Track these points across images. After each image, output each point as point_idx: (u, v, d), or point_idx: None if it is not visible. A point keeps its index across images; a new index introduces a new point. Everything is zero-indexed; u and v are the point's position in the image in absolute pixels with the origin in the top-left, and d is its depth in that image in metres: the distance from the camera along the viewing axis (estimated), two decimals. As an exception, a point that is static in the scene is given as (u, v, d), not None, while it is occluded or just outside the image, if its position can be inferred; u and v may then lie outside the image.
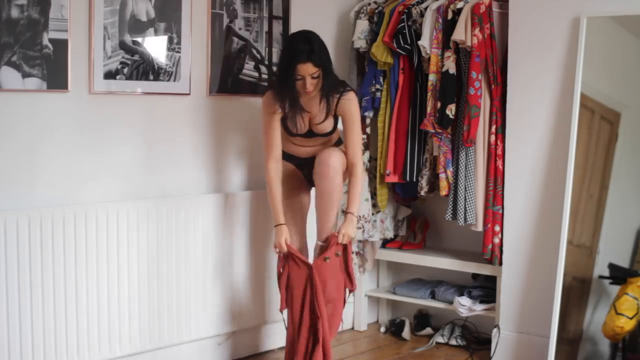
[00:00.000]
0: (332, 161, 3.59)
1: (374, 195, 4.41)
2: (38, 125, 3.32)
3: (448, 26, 4.05)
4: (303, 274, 3.56)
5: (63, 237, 3.32)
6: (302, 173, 3.80)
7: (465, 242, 4.50)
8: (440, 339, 4.39)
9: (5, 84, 3.18)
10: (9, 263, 3.16)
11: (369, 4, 4.41)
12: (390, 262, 4.74)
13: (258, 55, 4.13)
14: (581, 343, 3.59)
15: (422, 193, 4.26)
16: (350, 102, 3.60)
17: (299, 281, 3.56)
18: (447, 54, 4.04)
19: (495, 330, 4.09)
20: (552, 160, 3.87)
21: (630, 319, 3.43)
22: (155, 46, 3.68)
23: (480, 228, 4.07)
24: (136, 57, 3.61)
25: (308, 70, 3.42)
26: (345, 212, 3.65)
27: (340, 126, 3.70)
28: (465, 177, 4.03)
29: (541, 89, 3.88)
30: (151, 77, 3.68)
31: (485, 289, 4.27)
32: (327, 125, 3.63)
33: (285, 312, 3.68)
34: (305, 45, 3.41)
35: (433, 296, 4.45)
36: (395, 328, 4.56)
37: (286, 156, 3.76)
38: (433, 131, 4.08)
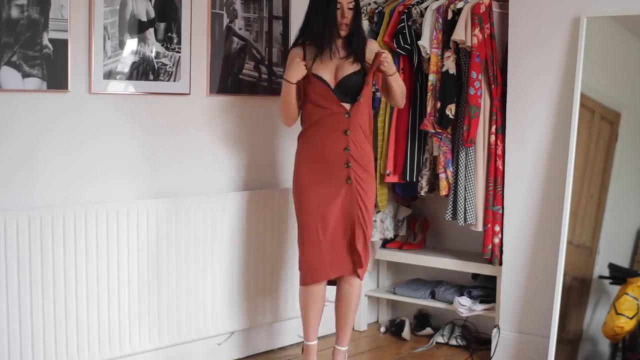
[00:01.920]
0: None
1: (374, 195, 4.42)
2: (38, 125, 3.32)
3: (448, 26, 4.05)
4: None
5: (63, 237, 3.32)
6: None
7: (465, 242, 4.49)
8: (440, 339, 4.39)
9: (5, 84, 3.18)
10: (9, 263, 3.16)
11: (369, 4, 4.41)
12: (390, 262, 4.74)
13: (258, 55, 4.13)
14: (581, 343, 3.59)
15: (422, 193, 4.26)
16: (376, 44, 3.73)
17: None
18: (447, 54, 4.04)
19: (495, 330, 4.09)
20: (552, 160, 3.86)
21: (630, 319, 3.43)
22: (155, 46, 3.68)
23: (480, 228, 4.07)
24: (136, 57, 3.62)
25: None
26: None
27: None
28: (465, 177, 4.03)
29: (541, 89, 3.88)
30: (151, 77, 3.68)
31: (485, 289, 4.27)
32: (356, 73, 3.53)
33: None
34: None
35: (433, 296, 4.45)
36: (395, 328, 4.56)
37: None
38: (433, 131, 4.08)
